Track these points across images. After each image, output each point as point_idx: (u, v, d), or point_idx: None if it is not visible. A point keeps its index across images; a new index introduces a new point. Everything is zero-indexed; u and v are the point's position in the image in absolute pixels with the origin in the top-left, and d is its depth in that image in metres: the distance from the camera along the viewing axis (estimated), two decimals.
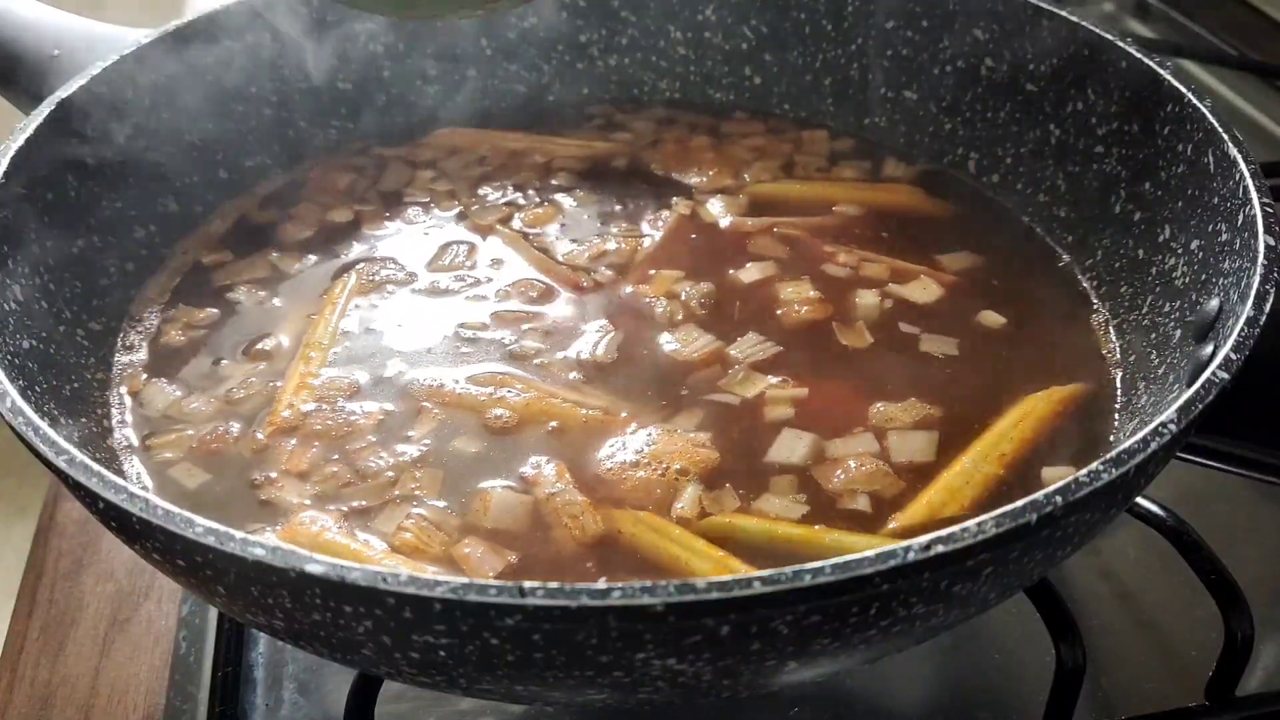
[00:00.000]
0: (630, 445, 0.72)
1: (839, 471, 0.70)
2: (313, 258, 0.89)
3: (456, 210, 0.94)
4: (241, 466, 0.72)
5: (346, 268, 0.88)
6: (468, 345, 0.80)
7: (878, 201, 0.94)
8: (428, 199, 0.96)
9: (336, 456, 0.72)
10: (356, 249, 0.90)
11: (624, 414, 0.74)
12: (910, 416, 0.74)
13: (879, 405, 0.75)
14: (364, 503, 0.69)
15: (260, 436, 0.74)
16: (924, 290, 0.84)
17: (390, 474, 0.71)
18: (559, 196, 0.96)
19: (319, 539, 0.66)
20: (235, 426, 0.75)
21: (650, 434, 0.73)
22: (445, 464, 0.71)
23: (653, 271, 0.87)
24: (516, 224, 0.93)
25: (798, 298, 0.84)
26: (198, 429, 0.75)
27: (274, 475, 0.71)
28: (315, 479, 0.71)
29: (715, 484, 0.70)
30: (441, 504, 0.69)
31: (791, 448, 0.73)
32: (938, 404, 0.75)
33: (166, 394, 0.77)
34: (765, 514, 0.68)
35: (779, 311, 0.83)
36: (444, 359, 0.79)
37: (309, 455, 0.72)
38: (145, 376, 0.79)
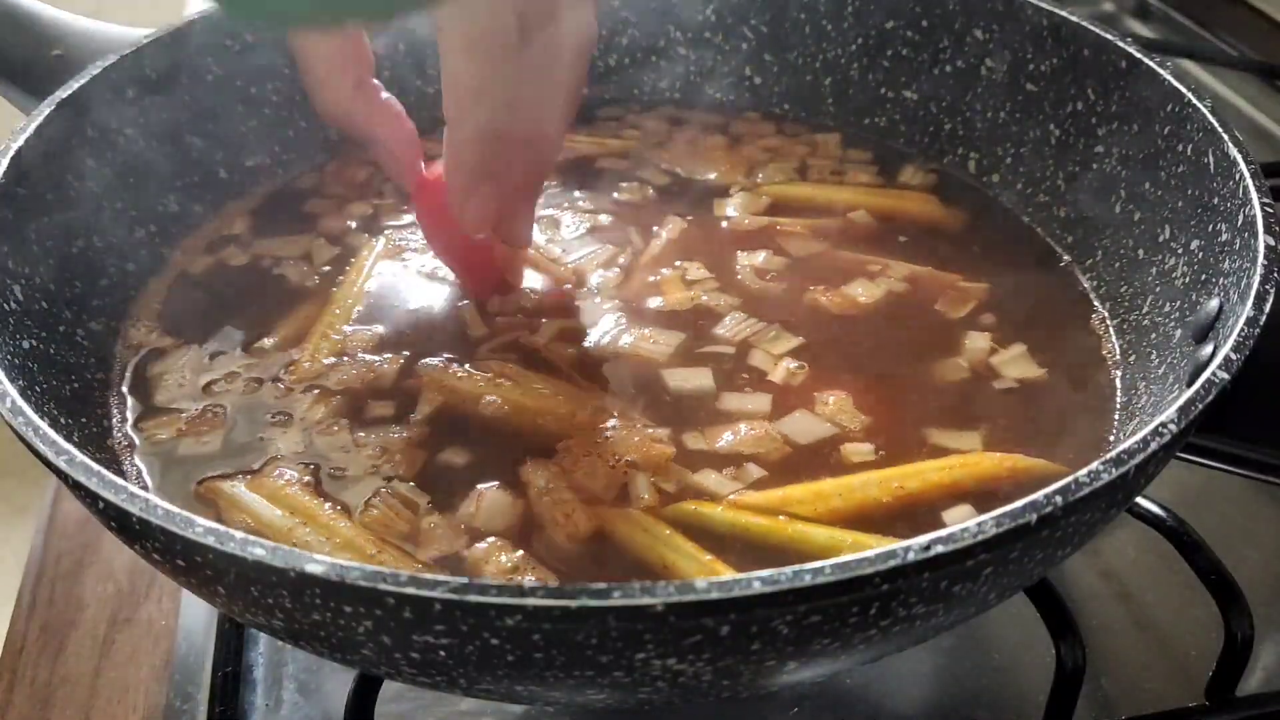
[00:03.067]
0: (600, 437, 0.72)
1: (728, 433, 0.71)
2: (331, 248, 0.90)
3: None
4: (256, 410, 0.74)
5: (362, 246, 0.89)
6: (471, 331, 0.80)
7: (894, 207, 0.94)
8: None
9: (343, 419, 0.73)
10: (366, 237, 0.91)
11: (616, 411, 0.74)
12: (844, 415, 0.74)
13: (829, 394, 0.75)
14: (346, 469, 0.70)
15: (281, 385, 0.76)
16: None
17: (380, 445, 0.72)
18: (574, 191, 0.96)
19: (280, 492, 0.68)
20: (225, 409, 0.75)
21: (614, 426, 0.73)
22: (431, 445, 0.72)
23: (665, 270, 0.87)
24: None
25: (814, 294, 0.84)
26: (191, 407, 0.75)
27: (274, 423, 0.73)
28: (316, 431, 0.73)
29: (662, 470, 0.70)
30: (412, 484, 0.69)
31: (686, 378, 0.75)
32: (916, 406, 0.74)
33: (170, 377, 0.78)
34: (703, 488, 0.68)
35: (791, 308, 0.83)
36: (448, 344, 0.79)
37: (319, 410, 0.74)
38: (159, 344, 0.81)
